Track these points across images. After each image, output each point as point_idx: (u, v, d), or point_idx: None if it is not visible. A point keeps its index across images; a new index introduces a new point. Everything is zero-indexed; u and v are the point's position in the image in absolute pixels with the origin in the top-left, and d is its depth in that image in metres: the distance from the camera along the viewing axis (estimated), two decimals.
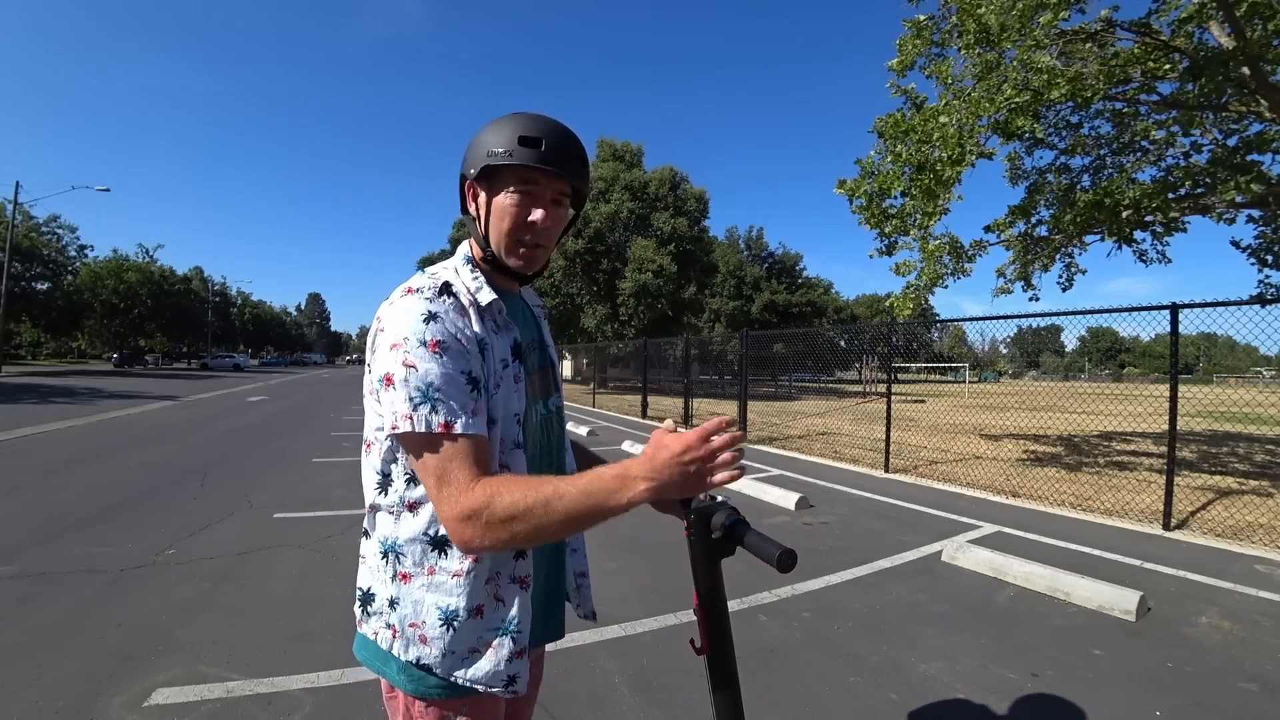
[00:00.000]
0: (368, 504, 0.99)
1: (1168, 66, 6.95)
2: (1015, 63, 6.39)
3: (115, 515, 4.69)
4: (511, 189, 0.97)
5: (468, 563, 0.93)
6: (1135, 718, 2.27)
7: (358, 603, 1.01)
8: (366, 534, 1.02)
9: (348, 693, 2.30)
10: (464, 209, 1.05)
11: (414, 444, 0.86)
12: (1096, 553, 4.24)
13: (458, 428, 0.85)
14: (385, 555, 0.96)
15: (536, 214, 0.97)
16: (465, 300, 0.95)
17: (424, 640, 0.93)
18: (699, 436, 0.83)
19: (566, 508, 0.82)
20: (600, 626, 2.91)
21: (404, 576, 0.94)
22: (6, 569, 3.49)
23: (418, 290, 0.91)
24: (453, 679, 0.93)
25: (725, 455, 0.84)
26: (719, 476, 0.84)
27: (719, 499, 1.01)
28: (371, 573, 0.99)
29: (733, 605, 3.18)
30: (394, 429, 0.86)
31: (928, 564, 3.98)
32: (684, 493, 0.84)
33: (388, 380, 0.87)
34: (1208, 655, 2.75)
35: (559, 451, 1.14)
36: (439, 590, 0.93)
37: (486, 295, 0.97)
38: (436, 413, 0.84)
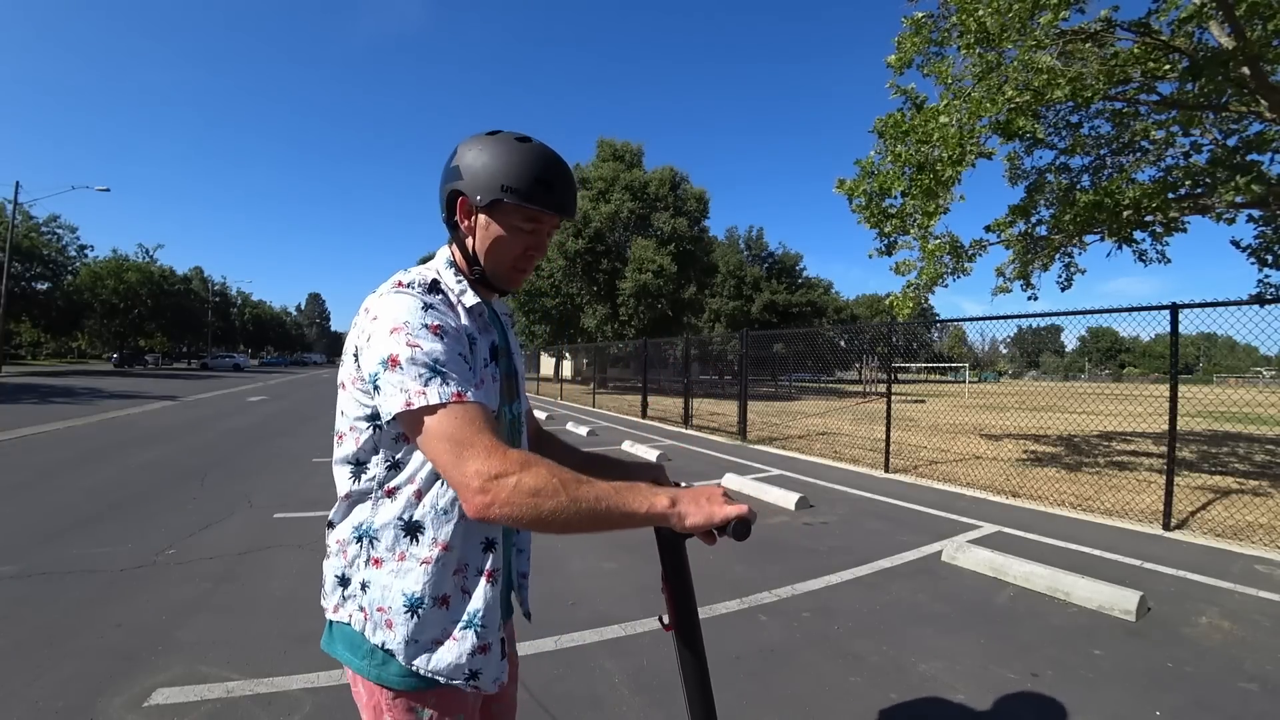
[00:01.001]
0: (341, 494, 1.00)
1: (1168, 66, 6.95)
2: (1016, 63, 6.38)
3: (115, 515, 4.69)
4: (519, 226, 1.02)
5: (436, 550, 0.95)
6: (1135, 718, 2.27)
7: (329, 591, 1.01)
8: (332, 525, 1.03)
9: (348, 693, 2.28)
10: (449, 219, 1.06)
11: (430, 417, 0.86)
12: (1096, 553, 4.24)
13: (470, 397, 0.87)
14: (360, 540, 0.98)
15: (535, 250, 1.06)
16: (452, 299, 1.00)
17: (389, 625, 0.95)
18: (736, 509, 0.89)
19: (597, 493, 0.84)
20: (600, 626, 2.91)
21: (376, 561, 0.97)
22: (6, 569, 3.49)
23: (409, 285, 0.96)
24: (413, 667, 0.94)
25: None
26: (723, 512, 0.89)
27: (680, 484, 1.07)
28: (343, 560, 1.00)
29: (733, 605, 3.18)
30: (407, 406, 0.86)
31: (928, 564, 3.98)
32: (683, 523, 0.88)
33: (393, 361, 0.88)
34: (1208, 655, 2.75)
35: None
36: (406, 576, 0.95)
37: (471, 298, 1.02)
38: (448, 384, 0.87)
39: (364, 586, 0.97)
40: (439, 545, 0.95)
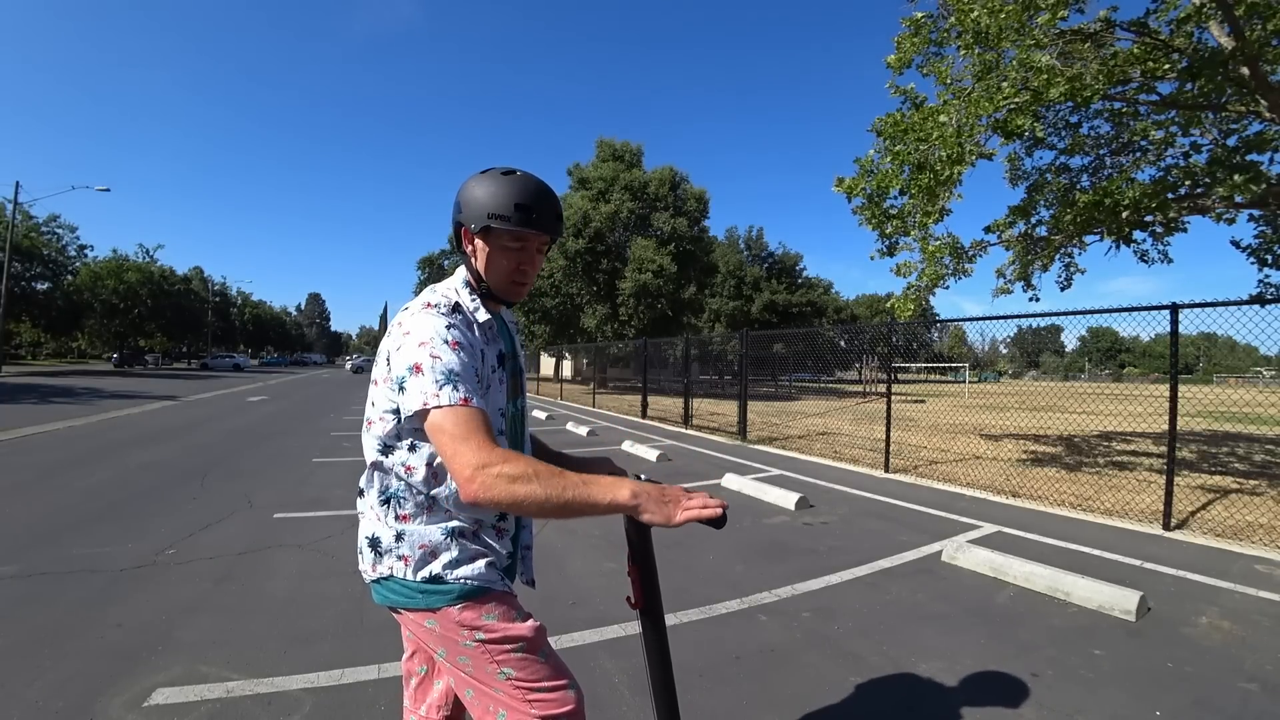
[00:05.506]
0: (370, 462, 1.19)
1: (1167, 66, 6.94)
2: (1014, 63, 6.38)
3: (115, 515, 4.69)
4: (508, 246, 1.20)
5: (452, 521, 1.16)
6: (1135, 718, 2.27)
7: (364, 553, 1.19)
8: (362, 492, 1.22)
9: (348, 693, 2.30)
10: (459, 248, 1.26)
11: (439, 415, 1.03)
12: (1096, 553, 4.24)
13: (474, 402, 1.05)
14: (387, 503, 1.17)
15: (527, 265, 1.23)
16: (469, 317, 1.18)
17: (434, 555, 1.14)
18: (698, 503, 1.01)
19: (566, 484, 0.98)
20: (600, 626, 2.91)
21: (404, 517, 1.16)
22: (6, 569, 3.49)
23: (435, 305, 1.15)
24: (462, 581, 1.13)
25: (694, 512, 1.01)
26: (682, 516, 1.01)
27: (643, 478, 1.18)
28: (374, 521, 1.18)
29: (733, 605, 3.19)
30: (424, 405, 1.04)
31: (928, 564, 3.98)
32: (650, 516, 1.00)
33: (417, 369, 1.06)
34: (1208, 655, 2.75)
35: (523, 441, 1.38)
36: (434, 524, 1.15)
37: (483, 315, 1.21)
38: (458, 390, 1.04)
39: (399, 537, 1.15)
40: (453, 518, 1.16)
